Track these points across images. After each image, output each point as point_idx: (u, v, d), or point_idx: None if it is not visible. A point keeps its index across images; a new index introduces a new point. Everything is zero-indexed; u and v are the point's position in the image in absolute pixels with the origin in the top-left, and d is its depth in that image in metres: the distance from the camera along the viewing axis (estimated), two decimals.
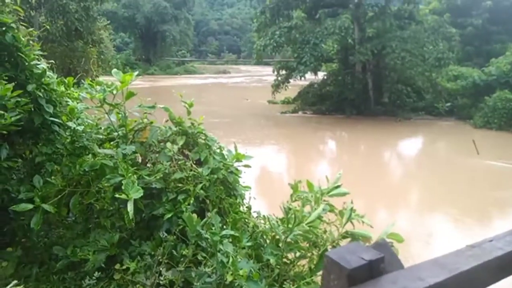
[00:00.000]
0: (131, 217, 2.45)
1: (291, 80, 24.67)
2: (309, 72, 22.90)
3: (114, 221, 2.80)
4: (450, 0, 27.66)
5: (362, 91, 22.93)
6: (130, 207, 2.45)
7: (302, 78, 23.13)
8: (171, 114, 3.12)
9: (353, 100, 22.84)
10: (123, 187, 2.53)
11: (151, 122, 3.13)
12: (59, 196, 2.78)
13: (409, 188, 11.63)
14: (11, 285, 2.12)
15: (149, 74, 49.21)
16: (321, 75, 27.10)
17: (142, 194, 2.53)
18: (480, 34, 32.67)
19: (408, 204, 10.42)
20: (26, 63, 2.82)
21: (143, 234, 2.78)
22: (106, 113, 3.04)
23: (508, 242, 1.20)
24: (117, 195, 2.51)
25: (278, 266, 2.57)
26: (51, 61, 3.50)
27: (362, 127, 20.28)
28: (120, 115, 3.07)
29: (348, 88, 23.32)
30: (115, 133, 3.12)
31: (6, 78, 2.70)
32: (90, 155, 2.98)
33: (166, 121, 3.19)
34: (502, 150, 15.13)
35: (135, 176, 2.66)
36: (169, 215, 2.65)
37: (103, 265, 2.59)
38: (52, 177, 2.82)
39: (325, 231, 2.65)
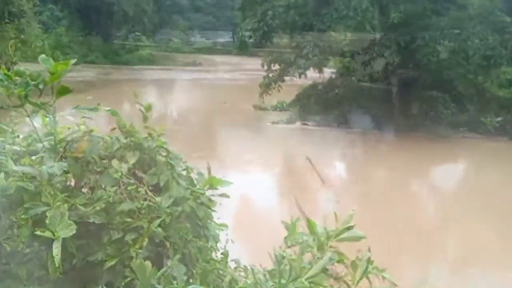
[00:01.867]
0: (57, 264, 2.42)
1: (286, 78, 24.89)
2: (311, 69, 23.20)
3: (31, 268, 2.76)
4: None
5: (383, 98, 23.33)
6: (56, 249, 2.43)
7: (302, 76, 23.43)
8: (121, 120, 3.12)
9: (370, 110, 23.21)
10: (47, 221, 2.50)
11: (91, 131, 3.12)
12: None
13: (445, 234, 11.77)
14: None
15: (89, 62, 49.08)
16: (328, 73, 27.44)
17: (74, 232, 2.51)
18: None
19: (444, 255, 10.53)
20: None
21: None
22: (28, 116, 3.02)
23: None
24: (38, 232, 2.48)
25: None
26: None
27: (382, 147, 20.57)
28: (47, 119, 3.05)
29: (364, 94, 23.72)
30: (39, 144, 3.09)
31: None
32: (1, 174, 2.94)
33: (113, 129, 3.19)
34: None
35: (65, 205, 2.64)
36: (112, 263, 2.63)
37: None
38: None
39: None
